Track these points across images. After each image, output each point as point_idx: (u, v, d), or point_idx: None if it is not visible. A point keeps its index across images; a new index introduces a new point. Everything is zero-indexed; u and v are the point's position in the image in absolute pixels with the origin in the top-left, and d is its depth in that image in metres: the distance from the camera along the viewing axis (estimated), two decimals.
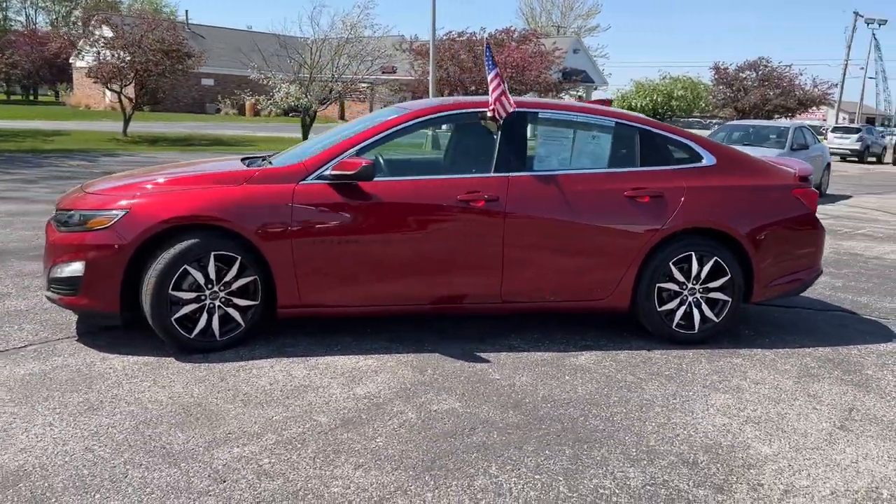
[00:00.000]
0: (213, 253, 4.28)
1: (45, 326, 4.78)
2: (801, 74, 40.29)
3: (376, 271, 4.51)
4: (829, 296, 6.42)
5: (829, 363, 4.70)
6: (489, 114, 4.70)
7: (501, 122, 4.66)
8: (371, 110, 47.66)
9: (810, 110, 41.23)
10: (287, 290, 4.41)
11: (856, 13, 44.97)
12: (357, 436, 3.42)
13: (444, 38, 29.06)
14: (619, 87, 39.50)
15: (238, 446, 3.27)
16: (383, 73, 34.73)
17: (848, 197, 16.08)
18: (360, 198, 4.43)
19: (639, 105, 36.53)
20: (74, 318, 4.94)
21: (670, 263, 4.79)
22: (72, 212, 4.42)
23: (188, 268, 4.24)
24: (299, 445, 3.31)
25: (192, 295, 4.30)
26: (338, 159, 4.47)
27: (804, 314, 5.86)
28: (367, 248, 4.47)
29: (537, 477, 3.12)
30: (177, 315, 4.27)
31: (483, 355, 4.56)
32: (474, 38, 28.61)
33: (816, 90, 40.41)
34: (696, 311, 4.88)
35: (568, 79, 34.61)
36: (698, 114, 42.59)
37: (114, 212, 4.28)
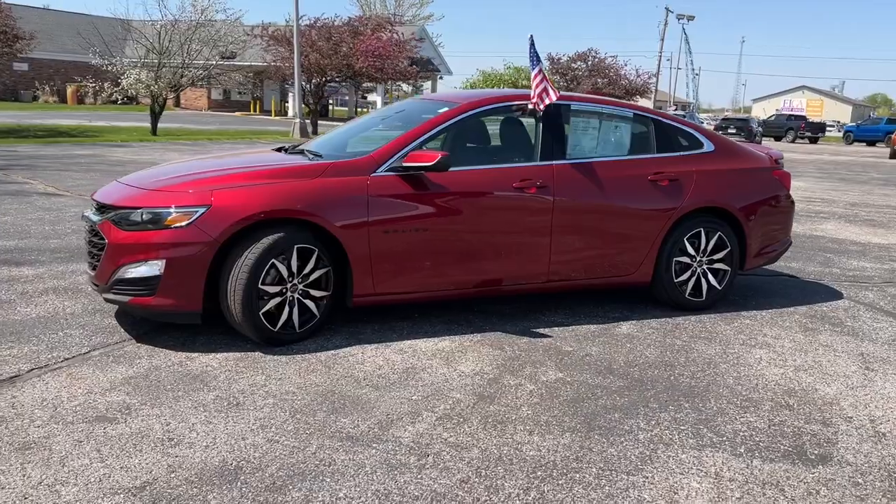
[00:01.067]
0: (296, 246, 4.33)
1: (91, 331, 4.57)
2: (626, 65, 43.64)
3: (443, 257, 4.74)
4: None
5: (815, 319, 5.52)
6: (530, 106, 5.06)
7: (541, 112, 5.03)
8: (210, 97, 45.77)
9: (634, 98, 44.64)
10: (363, 280, 4.54)
11: (667, 9, 49.12)
12: (503, 407, 3.70)
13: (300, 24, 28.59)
14: (466, 77, 40.32)
15: (409, 425, 3.44)
16: (222, 59, 33.56)
17: None
18: (429, 188, 4.64)
19: None
20: (112, 320, 4.75)
21: (684, 239, 5.40)
22: (137, 209, 4.27)
23: (275, 261, 4.27)
24: (461, 420, 3.53)
25: (277, 288, 4.33)
26: (405, 151, 4.64)
27: (761, 280, 6.72)
28: (436, 235, 4.69)
29: (682, 427, 3.56)
30: (264, 309, 4.28)
31: (539, 331, 4.93)
32: (330, 24, 28.42)
33: (639, 80, 43.88)
34: (703, 281, 5.53)
35: (424, 67, 35.21)
36: None
37: (192, 208, 4.20)
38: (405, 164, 4.59)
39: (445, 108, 5.02)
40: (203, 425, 3.35)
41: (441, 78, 43.08)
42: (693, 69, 59.06)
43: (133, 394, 3.67)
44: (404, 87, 41.08)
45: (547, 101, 4.98)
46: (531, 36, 5.03)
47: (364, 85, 33.99)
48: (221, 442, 3.20)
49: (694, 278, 5.51)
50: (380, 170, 4.59)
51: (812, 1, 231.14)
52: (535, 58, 5.03)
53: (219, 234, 4.18)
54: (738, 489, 3.01)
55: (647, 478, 3.07)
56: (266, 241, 4.24)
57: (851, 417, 3.77)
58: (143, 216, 4.24)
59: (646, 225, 5.28)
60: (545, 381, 4.07)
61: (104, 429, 3.28)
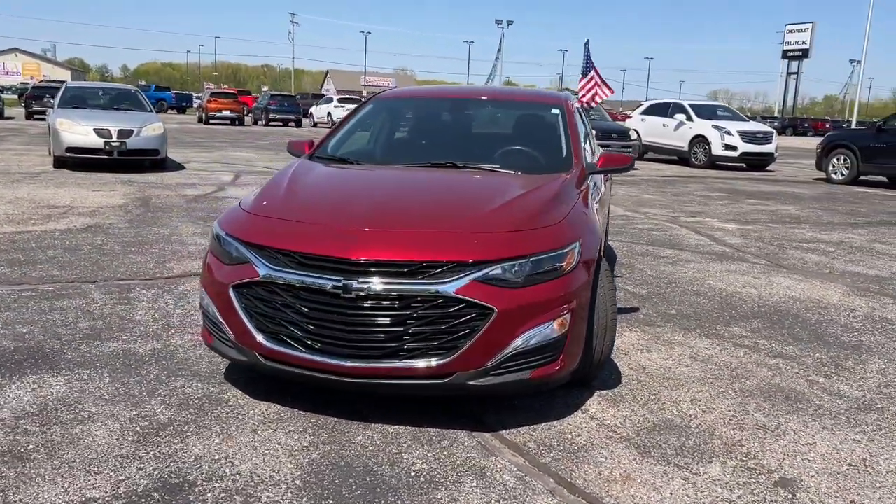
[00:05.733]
0: None
1: (428, 445, 3.25)
2: None
3: None
4: None
5: (650, 255, 7.44)
6: (576, 105, 5.45)
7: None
8: None
9: None
10: None
11: None
12: (793, 356, 4.55)
13: None
14: None
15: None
16: None
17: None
18: (594, 184, 4.70)
19: None
20: (389, 427, 3.41)
21: None
22: (523, 258, 3.26)
23: None
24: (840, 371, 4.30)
25: None
26: (588, 155, 4.59)
27: None
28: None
29: (857, 335, 5.10)
30: None
31: None
32: None
33: None
34: None
35: None
36: None
37: (572, 244, 3.46)
38: (600, 168, 4.56)
39: (557, 111, 4.94)
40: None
41: None
42: None
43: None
44: None
45: (598, 100, 5.45)
46: (587, 41, 5.33)
47: None
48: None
49: None
50: (588, 176, 4.45)
51: None
52: (589, 61, 5.37)
53: (593, 270, 3.60)
54: None
55: None
56: (604, 267, 3.83)
57: (821, 298, 5.90)
58: (540, 264, 3.28)
59: None
60: (747, 339, 4.96)
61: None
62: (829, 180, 16.67)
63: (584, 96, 5.58)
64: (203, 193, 10.79)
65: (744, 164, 19.98)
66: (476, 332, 3.13)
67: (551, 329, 3.26)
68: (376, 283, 3.11)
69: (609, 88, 5.68)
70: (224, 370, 3.95)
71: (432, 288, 3.11)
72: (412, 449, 3.15)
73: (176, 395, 3.60)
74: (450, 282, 3.12)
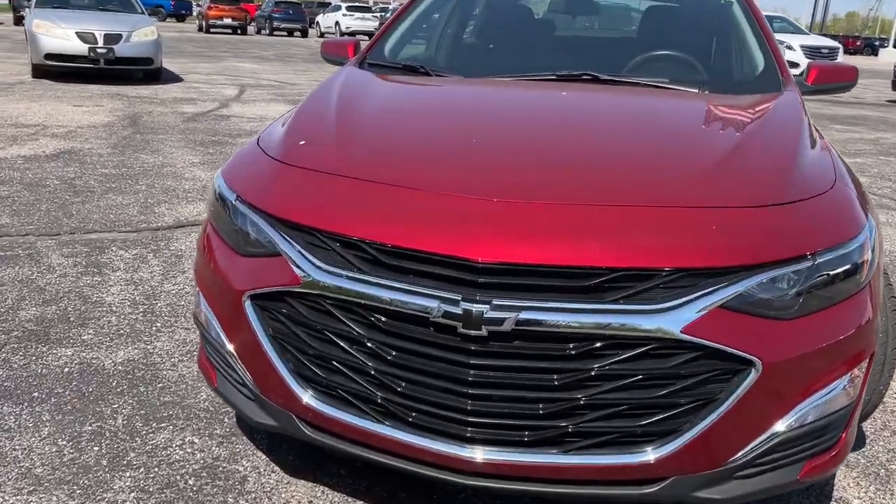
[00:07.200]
0: None
1: None
2: None
3: None
4: None
5: None
6: None
7: None
8: None
9: None
10: None
11: None
12: None
13: None
14: None
15: None
16: None
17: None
18: None
19: None
20: None
21: None
22: (796, 263, 1.69)
23: None
24: None
25: None
26: (783, 65, 2.96)
27: None
28: None
29: None
30: None
31: None
32: None
33: None
34: None
35: None
36: None
37: (864, 230, 1.89)
38: (812, 86, 2.96)
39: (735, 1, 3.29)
40: None
41: None
42: None
43: None
44: None
45: None
46: None
47: None
48: None
49: None
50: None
51: None
52: None
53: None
54: None
55: None
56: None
57: None
58: (822, 270, 1.73)
59: None
60: None
61: None
62: None
63: None
64: (203, 111, 9.14)
65: None
66: (717, 405, 1.62)
67: (837, 394, 1.75)
68: (526, 310, 1.58)
69: None
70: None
71: (637, 322, 1.58)
72: None
73: (158, 467, 2.14)
74: (669, 309, 1.58)
